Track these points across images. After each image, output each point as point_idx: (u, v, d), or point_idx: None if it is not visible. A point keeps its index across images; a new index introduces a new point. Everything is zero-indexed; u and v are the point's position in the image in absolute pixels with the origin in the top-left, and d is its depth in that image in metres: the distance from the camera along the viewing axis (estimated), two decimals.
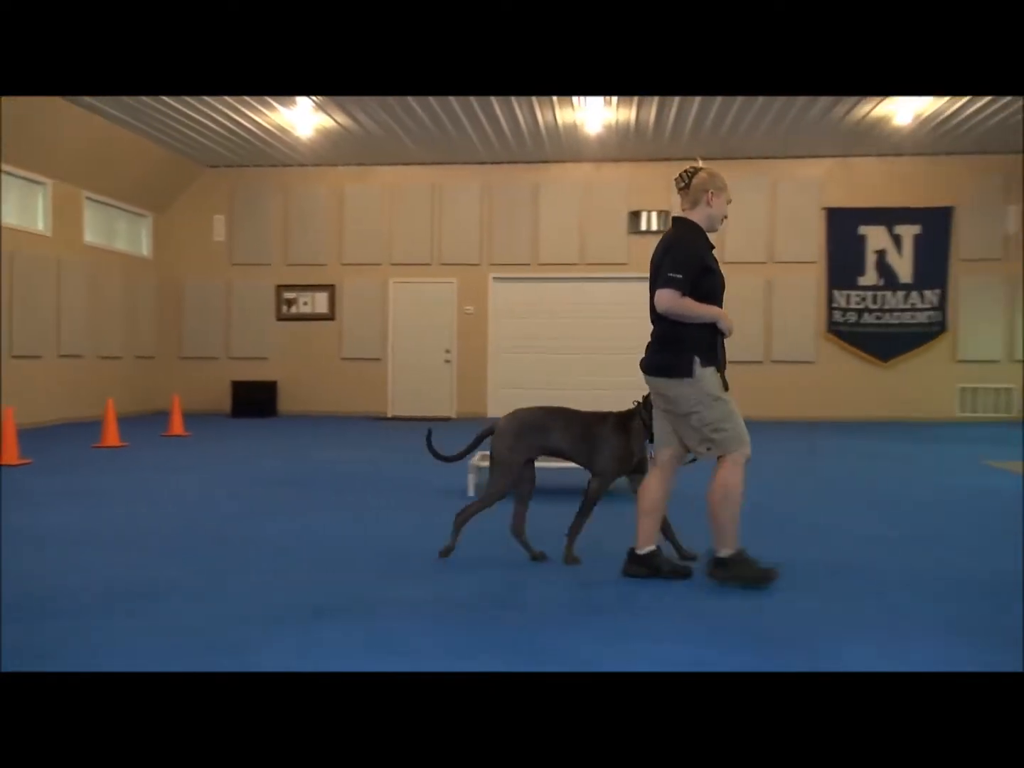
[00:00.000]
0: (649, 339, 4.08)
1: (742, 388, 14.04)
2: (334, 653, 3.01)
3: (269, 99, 11.12)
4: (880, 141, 13.11)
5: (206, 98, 11.01)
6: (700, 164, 4.08)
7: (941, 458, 9.14)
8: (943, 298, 13.93)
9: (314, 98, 11.15)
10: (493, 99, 11.14)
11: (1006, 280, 13.85)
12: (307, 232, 14.91)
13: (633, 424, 4.32)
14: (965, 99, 11.03)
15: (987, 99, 11.02)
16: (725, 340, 3.95)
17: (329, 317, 14.93)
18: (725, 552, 3.93)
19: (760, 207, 14.17)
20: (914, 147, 13.38)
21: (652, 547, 4.09)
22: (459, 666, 2.89)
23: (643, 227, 14.29)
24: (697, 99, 11.10)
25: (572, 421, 4.38)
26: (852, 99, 11.13)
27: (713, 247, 4.01)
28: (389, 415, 14.77)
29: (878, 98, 11.06)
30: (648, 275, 4.08)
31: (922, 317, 13.98)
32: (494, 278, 14.71)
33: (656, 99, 11.15)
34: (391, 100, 11.17)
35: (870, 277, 14.09)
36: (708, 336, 3.91)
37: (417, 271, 14.80)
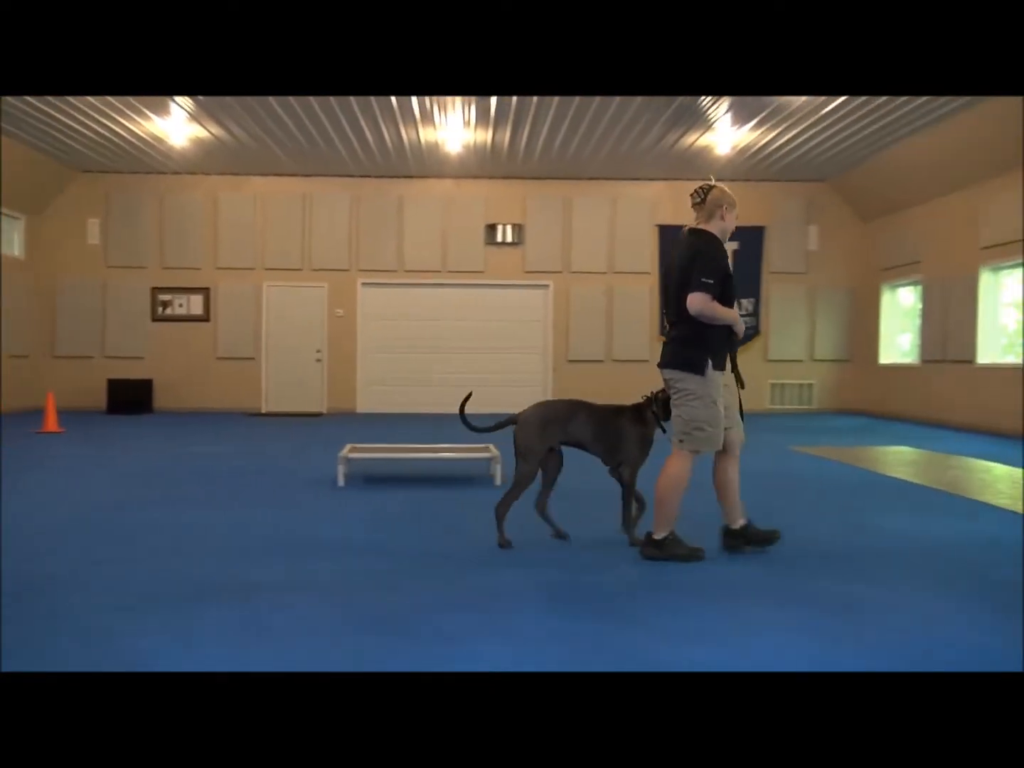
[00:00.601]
0: (667, 338, 4.09)
1: (588, 383, 14.37)
2: (209, 637, 2.85)
3: (142, 107, 10.53)
4: (704, 167, 13.58)
5: (79, 103, 10.32)
6: (713, 181, 4.10)
7: (756, 445, 9.55)
8: (757, 305, 14.59)
9: (187, 108, 10.64)
10: (360, 116, 10.93)
11: (808, 291, 14.63)
12: (182, 237, 14.24)
13: (647, 415, 4.32)
14: (775, 132, 11.57)
15: (793, 133, 11.60)
16: (737, 340, 4.06)
17: (204, 318, 14.32)
18: (660, 534, 3.98)
19: (601, 222, 14.47)
20: (732, 173, 13.95)
21: (743, 521, 4.13)
22: (327, 645, 2.78)
23: (499, 239, 14.34)
24: (547, 123, 11.22)
25: (592, 414, 4.34)
26: (680, 129, 11.49)
27: (727, 257, 4.04)
28: (263, 411, 14.30)
29: (702, 129, 11.47)
30: (665, 282, 4.16)
31: None
32: (362, 283, 14.46)
33: (511, 122, 11.20)
34: (262, 113, 10.78)
35: None
36: (723, 339, 3.98)
37: (289, 275, 14.38)
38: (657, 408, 4.30)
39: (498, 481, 6.33)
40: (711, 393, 3.92)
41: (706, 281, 3.83)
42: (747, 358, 14.52)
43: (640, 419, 4.32)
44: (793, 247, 14.61)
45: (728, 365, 4.08)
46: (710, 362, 3.91)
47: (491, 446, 7.01)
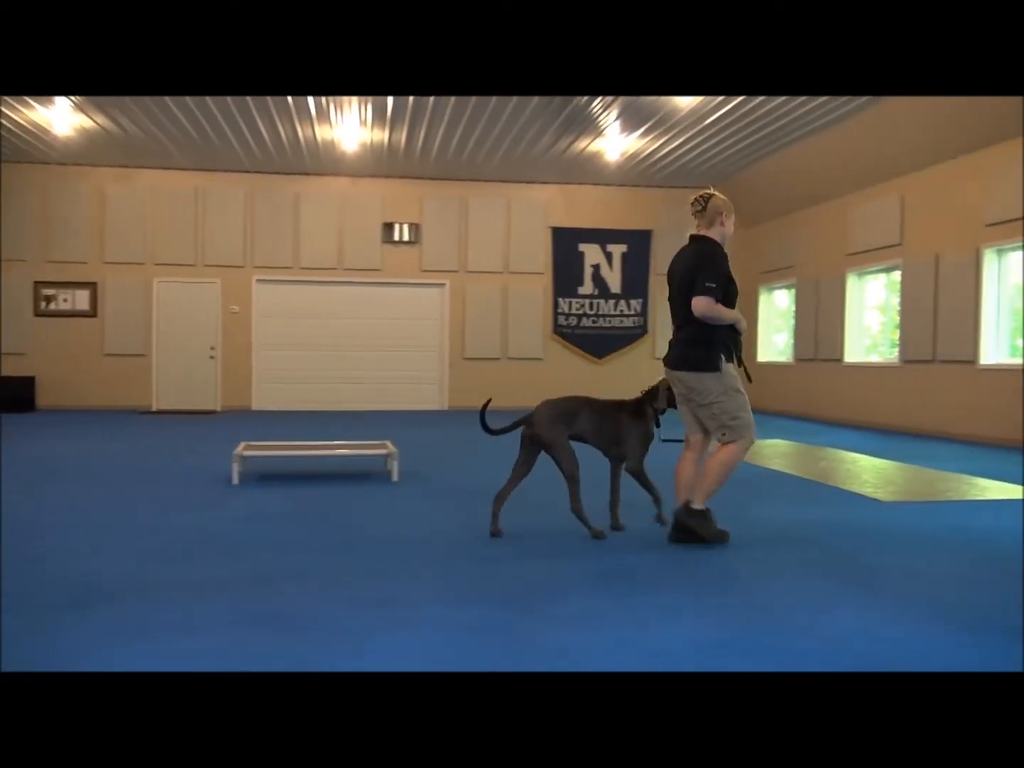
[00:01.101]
0: (673, 339, 4.25)
1: (484, 381, 14.38)
2: (102, 638, 2.69)
3: (25, 96, 9.92)
4: (595, 172, 13.81)
5: None
6: (712, 190, 4.24)
7: None
8: (644, 306, 14.92)
9: (72, 98, 10.09)
10: (255, 111, 10.60)
11: None
12: (67, 230, 13.50)
13: (646, 410, 4.42)
14: (662, 140, 11.84)
15: (678, 142, 11.89)
16: (741, 338, 4.21)
17: (91, 314, 13.62)
18: (698, 505, 4.15)
19: (497, 224, 14.50)
20: (621, 179, 14.22)
21: (703, 507, 4.21)
22: (213, 640, 2.68)
23: (396, 238, 14.19)
24: (443, 124, 11.15)
25: (593, 409, 4.41)
26: (572, 135, 11.62)
27: (728, 260, 4.18)
28: (154, 408, 13.72)
29: (593, 135, 11.63)
30: (669, 286, 4.32)
31: (628, 322, 14.90)
32: (257, 280, 14.05)
33: (407, 122, 11.09)
34: (152, 105, 10.32)
35: (587, 287, 14.82)
36: (728, 336, 4.14)
37: (181, 271, 13.84)
38: (656, 403, 4.41)
39: (395, 477, 6.25)
40: (731, 384, 4.11)
41: (709, 285, 4.00)
42: (635, 356, 14.86)
43: (640, 414, 4.42)
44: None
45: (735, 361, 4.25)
46: (722, 357, 4.10)
47: (388, 442, 6.92)
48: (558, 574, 3.66)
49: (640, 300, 14.88)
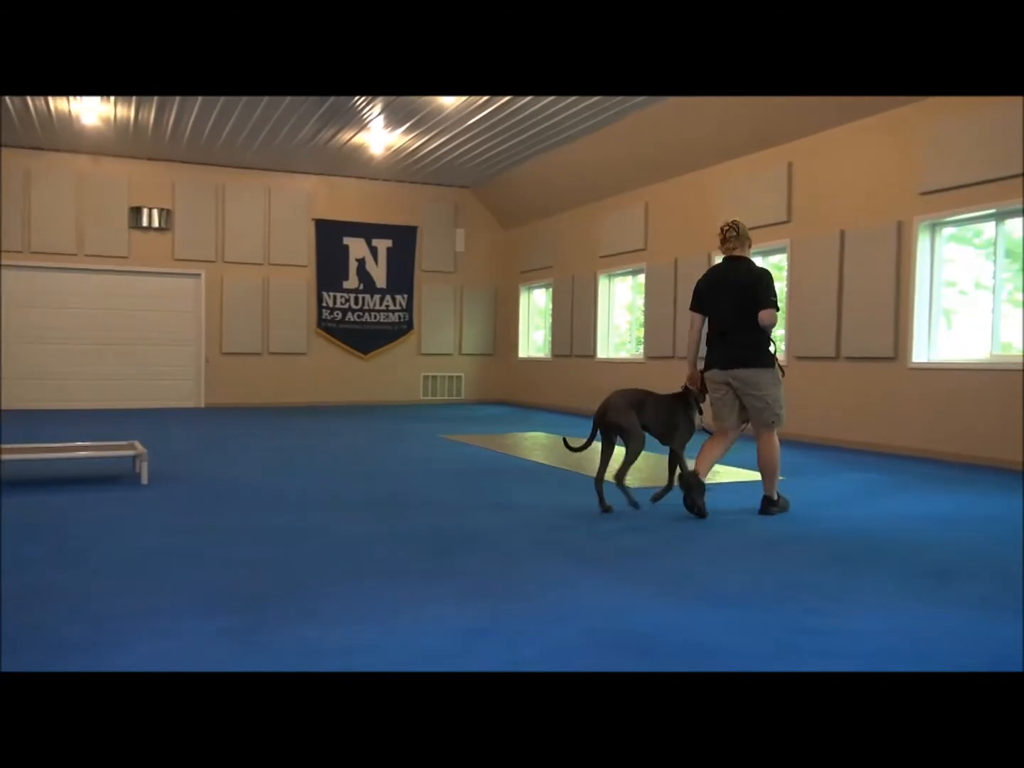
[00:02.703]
0: (724, 343, 4.99)
1: (244, 377, 13.78)
2: None
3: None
4: (359, 166, 13.66)
5: None
6: (737, 219, 5.04)
7: (409, 435, 9.82)
8: (410, 301, 15.00)
9: None
10: None
11: (455, 289, 15.35)
12: None
13: (691, 401, 5.09)
14: (425, 138, 11.95)
15: (441, 140, 12.05)
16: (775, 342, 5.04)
17: None
18: (775, 494, 5.02)
19: (257, 213, 13.93)
20: (386, 174, 14.18)
21: (703, 481, 4.91)
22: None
23: (144, 223, 13.21)
24: (196, 106, 10.54)
25: (656, 401, 5.02)
26: (335, 126, 11.42)
27: None
28: None
29: (357, 128, 11.50)
30: (715, 297, 5.06)
31: (394, 317, 14.90)
32: None
33: (155, 100, 10.35)
34: None
35: (352, 282, 14.64)
36: (770, 341, 4.97)
37: None
38: (697, 395, 5.11)
39: (144, 479, 5.83)
40: (780, 379, 4.97)
41: (774, 300, 4.83)
42: (401, 352, 14.91)
43: (688, 405, 5.08)
44: (442, 248, 15.20)
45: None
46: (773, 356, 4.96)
47: (136, 443, 6.45)
48: (314, 573, 3.60)
49: (406, 296, 14.93)
